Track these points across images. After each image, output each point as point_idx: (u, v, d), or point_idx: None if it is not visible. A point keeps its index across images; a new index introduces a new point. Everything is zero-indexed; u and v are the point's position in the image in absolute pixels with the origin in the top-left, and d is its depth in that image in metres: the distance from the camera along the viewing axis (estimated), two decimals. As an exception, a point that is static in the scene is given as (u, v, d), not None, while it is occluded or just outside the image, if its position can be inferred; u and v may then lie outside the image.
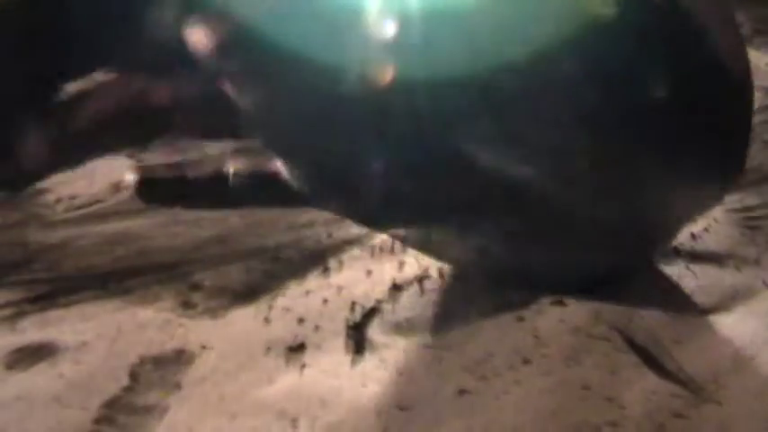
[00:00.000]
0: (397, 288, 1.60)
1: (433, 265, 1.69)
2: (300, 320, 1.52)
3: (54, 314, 1.55)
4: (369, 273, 1.67)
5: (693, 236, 1.76)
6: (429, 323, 1.53)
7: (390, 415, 1.34)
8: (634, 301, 1.58)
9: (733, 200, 1.93)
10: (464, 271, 1.56)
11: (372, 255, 1.72)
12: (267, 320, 1.53)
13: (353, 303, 1.56)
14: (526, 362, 1.44)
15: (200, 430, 1.27)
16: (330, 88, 0.53)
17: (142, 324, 1.52)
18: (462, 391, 1.36)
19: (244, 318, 1.53)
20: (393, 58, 0.52)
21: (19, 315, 1.55)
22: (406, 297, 1.60)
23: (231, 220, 1.84)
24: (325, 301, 1.57)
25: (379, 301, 1.60)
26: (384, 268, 1.67)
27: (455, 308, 1.57)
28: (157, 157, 2.22)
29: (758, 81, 2.57)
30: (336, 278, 1.64)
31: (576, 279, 1.00)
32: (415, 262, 1.70)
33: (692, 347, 1.43)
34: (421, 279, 1.70)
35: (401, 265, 1.72)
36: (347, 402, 1.30)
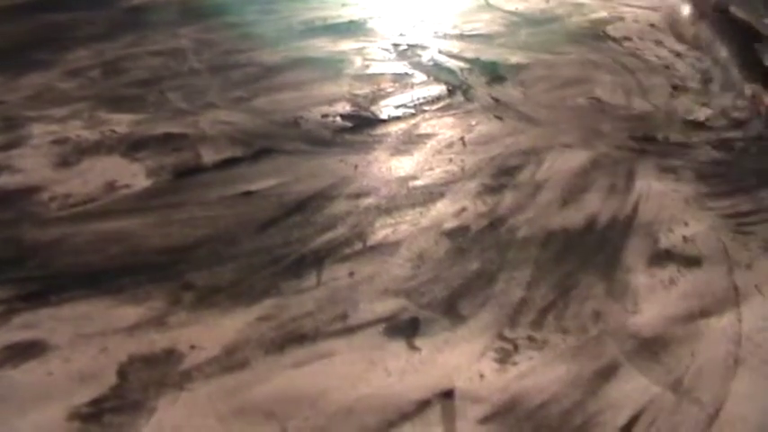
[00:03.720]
0: (386, 292, 1.60)
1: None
2: (293, 321, 1.52)
3: (45, 312, 1.55)
4: (351, 274, 1.68)
5: (686, 240, 1.76)
6: (419, 324, 1.53)
7: (380, 416, 1.34)
8: (631, 303, 1.58)
9: (726, 205, 1.94)
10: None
11: (361, 255, 1.72)
12: (258, 321, 1.54)
13: (346, 305, 1.56)
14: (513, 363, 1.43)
15: (188, 431, 1.26)
16: None
17: (133, 323, 1.52)
18: (448, 393, 1.36)
19: (235, 318, 1.53)
20: None
21: (10, 313, 1.55)
22: (394, 300, 1.60)
23: (224, 220, 1.84)
24: (318, 301, 1.57)
25: (370, 303, 1.59)
26: (372, 269, 1.67)
27: (440, 310, 1.56)
28: (154, 154, 2.22)
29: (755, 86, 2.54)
30: (328, 279, 1.64)
31: None
32: (399, 264, 1.70)
33: (683, 350, 1.43)
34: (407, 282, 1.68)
35: (389, 266, 1.71)
36: (337, 404, 1.30)
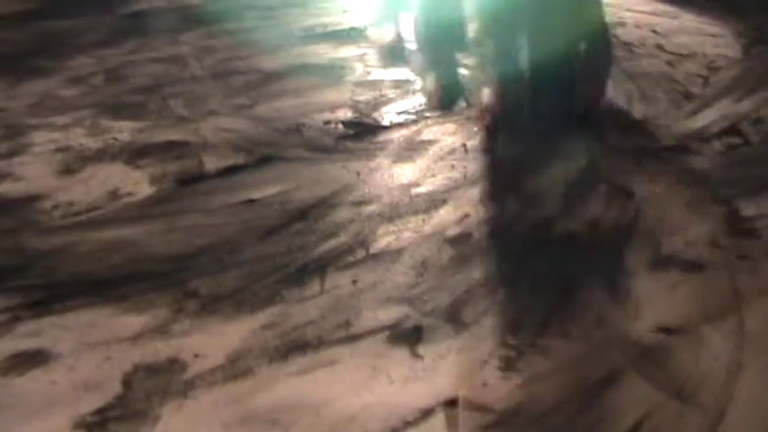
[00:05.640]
0: (388, 299, 1.61)
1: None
2: (296, 329, 1.53)
3: (49, 321, 1.55)
4: (354, 282, 1.68)
5: (688, 244, 1.76)
6: (421, 335, 1.53)
7: (383, 424, 1.34)
8: (633, 309, 1.58)
9: (728, 210, 1.94)
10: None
11: (364, 263, 1.72)
12: (262, 329, 1.54)
13: (349, 312, 1.56)
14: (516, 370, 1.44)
15: (192, 439, 1.25)
16: None
17: (137, 332, 1.52)
18: (452, 400, 1.36)
19: (238, 326, 1.54)
20: None
21: (14, 321, 1.55)
22: (397, 307, 1.60)
23: (227, 227, 1.84)
24: (321, 309, 1.58)
25: (372, 311, 1.60)
26: (375, 277, 1.67)
27: (441, 318, 1.56)
28: (155, 158, 2.22)
29: (757, 91, 2.55)
30: (331, 287, 1.64)
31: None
32: (402, 271, 1.71)
33: (686, 356, 1.43)
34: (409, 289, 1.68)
35: (390, 273, 1.71)
36: (340, 411, 1.30)
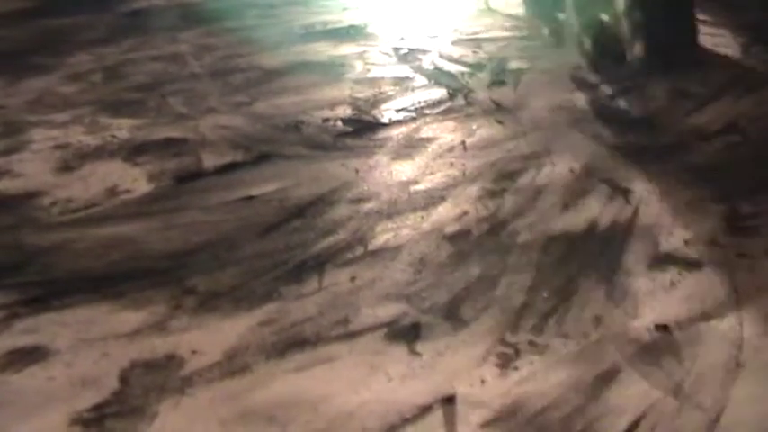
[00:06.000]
0: (386, 296, 1.61)
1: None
2: (294, 326, 1.53)
3: (47, 317, 1.55)
4: (352, 279, 1.68)
5: (687, 243, 1.76)
6: (418, 331, 1.53)
7: (381, 421, 1.34)
8: (631, 307, 1.57)
9: (727, 208, 1.93)
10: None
11: (362, 260, 1.72)
12: (260, 326, 1.54)
13: (347, 309, 1.56)
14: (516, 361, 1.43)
15: (189, 436, 1.25)
16: None
17: (134, 328, 1.52)
18: (449, 397, 1.36)
19: (236, 323, 1.53)
20: None
21: (12, 318, 1.55)
22: (395, 304, 1.60)
23: (225, 225, 1.84)
24: (319, 306, 1.58)
25: (370, 308, 1.59)
26: (373, 274, 1.67)
27: (439, 317, 1.56)
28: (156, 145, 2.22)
29: (756, 89, 2.54)
30: (329, 284, 1.64)
31: None
32: (400, 268, 1.70)
33: (684, 355, 1.43)
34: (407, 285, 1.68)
35: (388, 270, 1.71)
36: (338, 408, 1.30)
